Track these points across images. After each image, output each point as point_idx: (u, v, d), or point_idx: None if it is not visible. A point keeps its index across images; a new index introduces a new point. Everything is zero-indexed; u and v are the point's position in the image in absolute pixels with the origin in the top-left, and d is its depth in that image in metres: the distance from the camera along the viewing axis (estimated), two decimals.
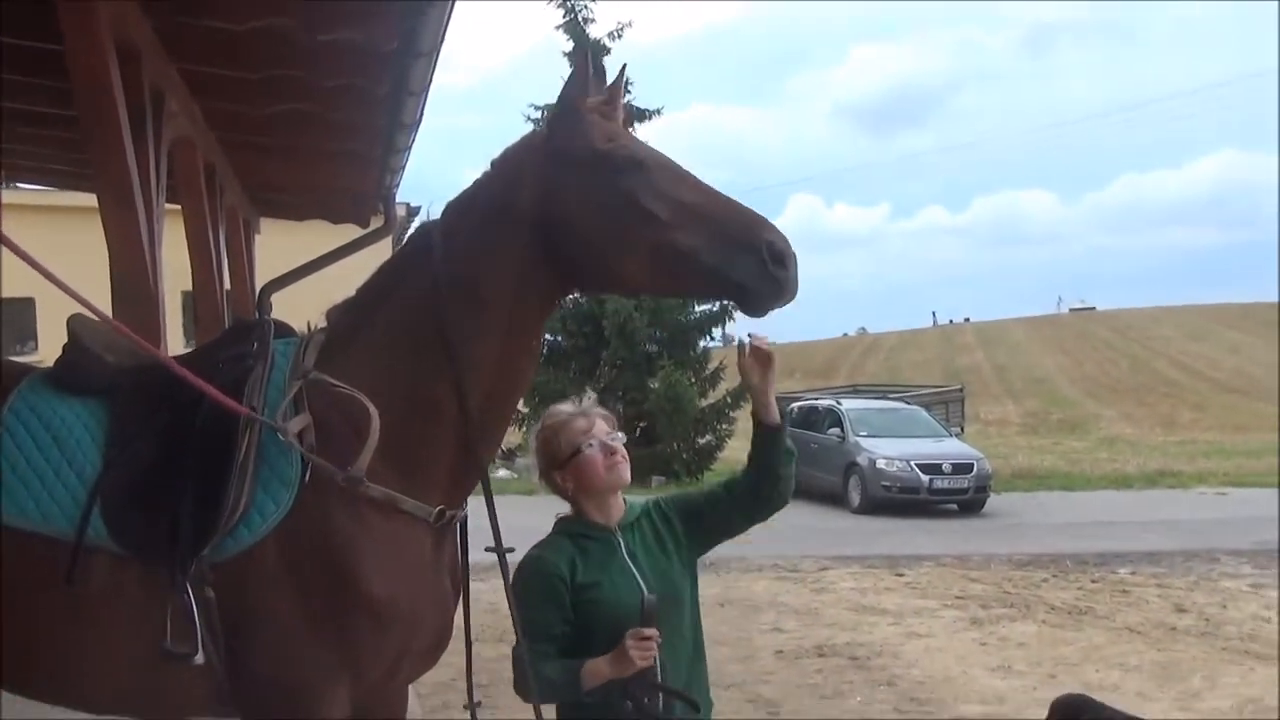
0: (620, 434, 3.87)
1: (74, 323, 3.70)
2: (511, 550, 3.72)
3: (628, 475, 3.83)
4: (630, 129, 3.78)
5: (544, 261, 3.46)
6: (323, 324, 3.68)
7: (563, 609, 3.73)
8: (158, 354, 3.53)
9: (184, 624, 3.29)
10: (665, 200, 3.35)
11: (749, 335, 3.70)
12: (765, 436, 3.74)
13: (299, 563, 3.35)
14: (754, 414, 3.77)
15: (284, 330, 3.72)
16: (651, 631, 3.53)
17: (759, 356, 3.64)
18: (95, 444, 3.47)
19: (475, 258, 3.47)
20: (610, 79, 3.73)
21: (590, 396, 3.98)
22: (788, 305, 3.38)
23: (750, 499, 3.84)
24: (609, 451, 3.79)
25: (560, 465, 3.85)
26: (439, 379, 3.46)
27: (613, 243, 3.39)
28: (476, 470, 3.63)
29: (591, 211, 3.39)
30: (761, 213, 3.37)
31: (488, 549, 3.65)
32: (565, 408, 3.91)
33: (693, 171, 3.49)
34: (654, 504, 3.94)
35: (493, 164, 3.62)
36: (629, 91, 32.52)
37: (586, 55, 3.74)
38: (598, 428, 3.82)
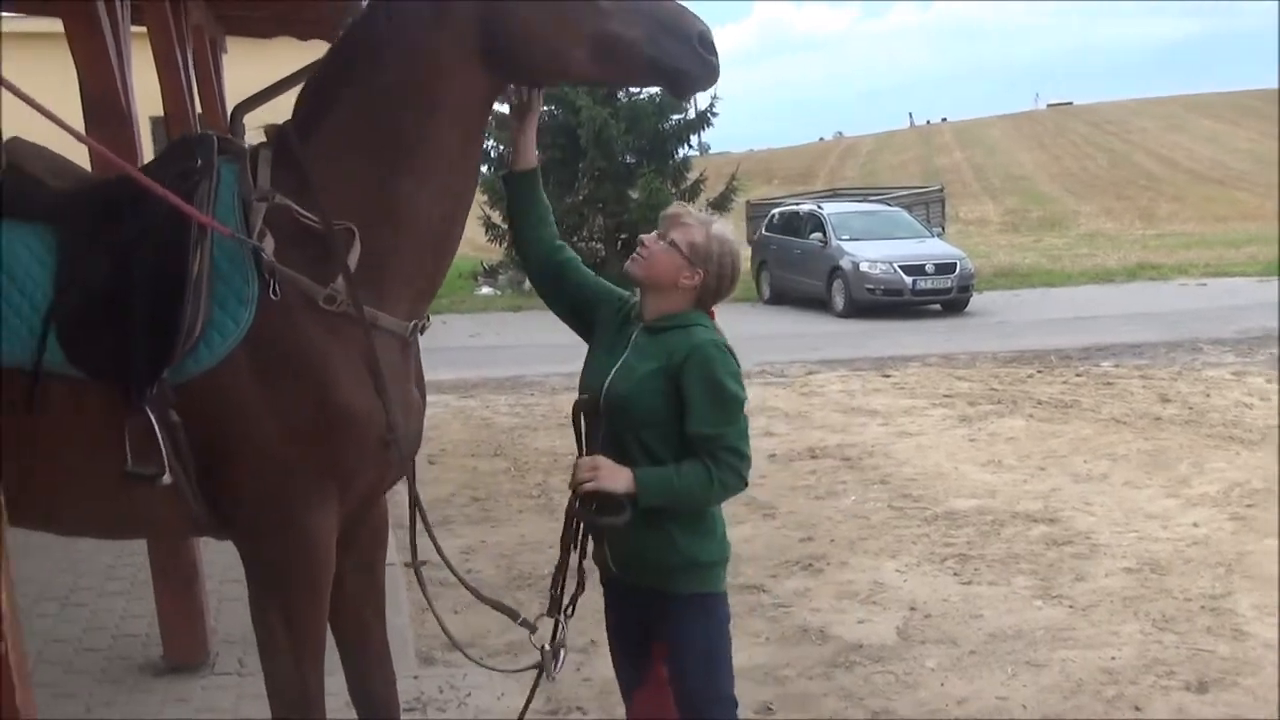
0: (677, 241, 3.73)
1: (12, 147, 3.60)
2: (425, 563, 3.91)
3: (630, 269, 3.80)
4: None
5: (485, 57, 3.47)
6: (264, 142, 3.61)
7: (580, 291, 3.96)
8: (135, 171, 3.43)
9: (146, 445, 3.29)
10: None
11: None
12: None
13: (271, 379, 3.35)
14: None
15: (227, 147, 3.62)
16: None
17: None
18: (46, 270, 3.41)
19: (419, 59, 3.45)
20: None
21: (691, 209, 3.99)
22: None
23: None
24: (640, 244, 3.81)
25: None
26: (401, 181, 3.47)
27: (555, 34, 3.43)
28: (440, 276, 3.72)
29: (536, 7, 3.40)
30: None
31: (406, 564, 3.98)
32: (672, 209, 3.95)
33: None
34: (693, 342, 3.65)
35: None
36: None
37: None
38: (663, 225, 3.82)
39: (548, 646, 3.86)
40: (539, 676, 3.95)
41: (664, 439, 3.66)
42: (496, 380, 15.40)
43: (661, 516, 3.65)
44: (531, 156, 3.89)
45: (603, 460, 3.61)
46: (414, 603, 6.86)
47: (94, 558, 7.34)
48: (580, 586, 3.88)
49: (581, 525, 3.78)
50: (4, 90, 2.96)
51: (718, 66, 3.58)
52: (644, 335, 3.75)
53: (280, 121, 3.63)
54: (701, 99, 31.28)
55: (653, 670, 3.86)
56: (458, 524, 8.70)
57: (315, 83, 3.63)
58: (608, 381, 3.69)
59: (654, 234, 3.81)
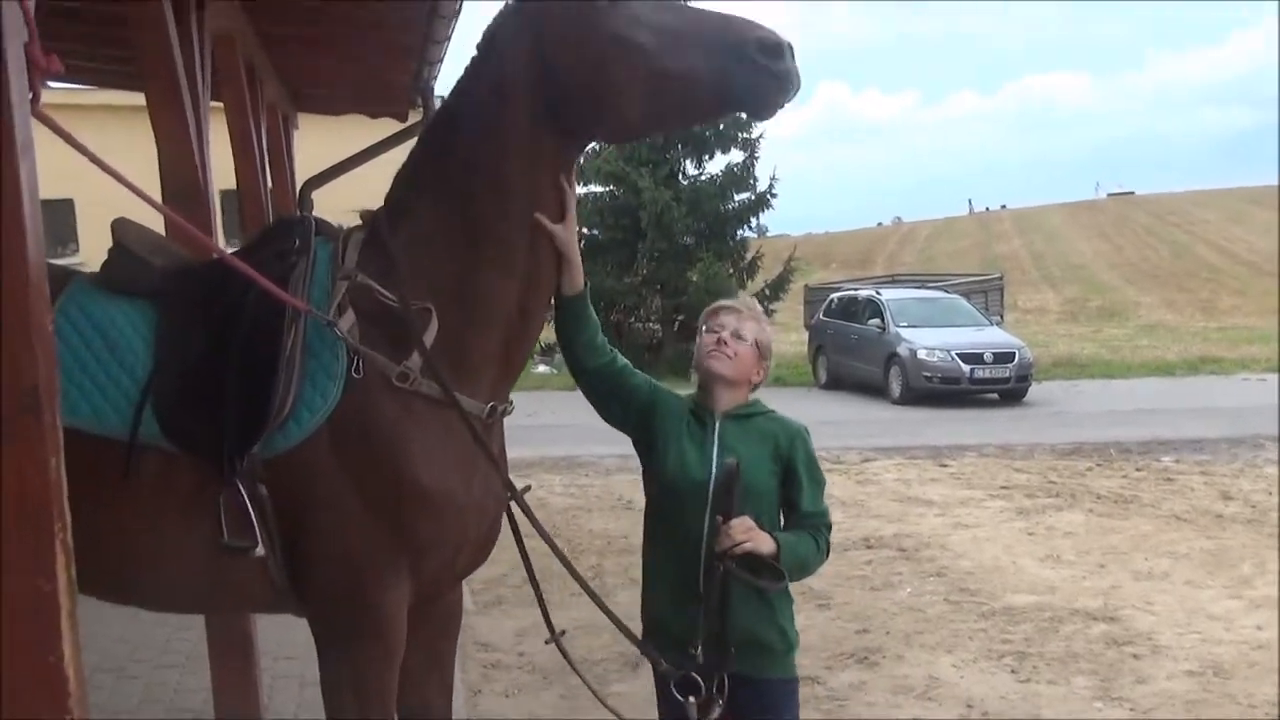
0: (749, 339, 3.92)
1: (118, 226, 3.71)
2: (528, 489, 3.81)
3: (718, 369, 3.90)
4: None
5: (550, 126, 3.45)
6: (358, 224, 3.68)
7: (635, 395, 3.95)
8: (215, 248, 3.53)
9: (240, 517, 3.34)
10: (649, 28, 3.31)
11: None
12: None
13: (352, 455, 3.39)
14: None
15: (323, 228, 3.71)
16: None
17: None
18: (145, 344, 3.50)
19: (485, 141, 3.47)
20: None
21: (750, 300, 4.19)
22: (792, 99, 3.38)
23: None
24: (716, 341, 3.90)
25: (696, 343, 4.05)
26: (480, 271, 3.49)
27: (609, 86, 3.36)
28: (520, 361, 3.71)
29: (581, 60, 3.36)
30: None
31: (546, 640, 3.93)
32: (733, 301, 4.09)
33: None
34: (791, 427, 3.96)
35: (480, 40, 3.60)
36: None
37: None
38: (731, 320, 3.94)
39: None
40: None
41: (770, 515, 3.84)
42: (552, 460, 15.39)
43: (768, 592, 3.80)
44: (579, 279, 3.74)
45: (751, 522, 3.69)
46: (467, 685, 6.84)
47: (150, 630, 7.36)
48: (728, 656, 3.74)
49: (724, 590, 3.71)
50: (87, 163, 3.03)
51: (790, 72, 3.29)
52: (729, 424, 3.89)
53: (344, 193, 3.68)
54: (761, 179, 31.34)
55: None
56: (511, 604, 8.68)
57: (406, 168, 3.69)
58: (714, 467, 3.78)
59: (728, 331, 3.91)
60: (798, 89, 3.34)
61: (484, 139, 3.48)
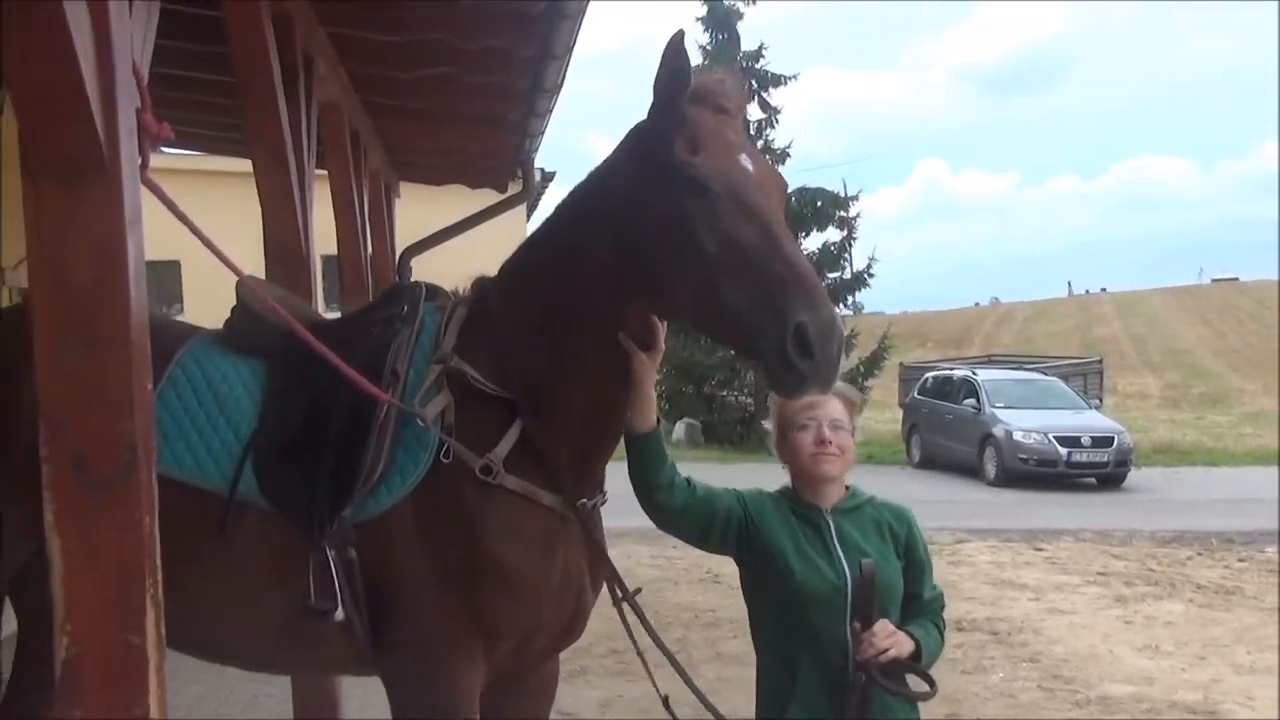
0: (845, 424, 3.69)
1: (242, 287, 3.78)
2: (639, 590, 3.84)
3: (833, 470, 3.68)
4: (754, 99, 3.59)
5: (618, 265, 3.36)
6: (468, 292, 3.72)
7: (731, 516, 3.68)
8: (296, 326, 3.51)
9: (325, 580, 3.36)
10: (720, 237, 3.11)
11: None
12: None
13: (433, 527, 3.41)
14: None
15: (436, 295, 3.76)
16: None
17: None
18: (253, 402, 3.59)
19: (572, 252, 3.46)
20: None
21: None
22: (816, 392, 3.17)
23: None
24: (819, 440, 3.64)
25: (782, 436, 3.75)
26: (561, 372, 3.48)
27: (665, 265, 3.23)
28: (600, 462, 3.65)
29: (655, 224, 3.23)
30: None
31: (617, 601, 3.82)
32: None
33: (773, 206, 3.22)
34: (900, 512, 3.82)
35: (620, 141, 3.54)
36: (762, 56, 32.10)
37: (681, 40, 3.24)
38: (824, 410, 3.65)
39: None
40: None
41: (899, 607, 3.68)
42: (639, 531, 15.25)
43: (922, 701, 3.68)
44: (650, 416, 3.54)
45: (893, 626, 3.55)
46: None
47: (239, 686, 7.41)
48: None
49: (865, 698, 3.54)
50: (210, 245, 3.11)
51: (808, 376, 3.00)
52: (841, 519, 3.70)
53: (443, 260, 3.70)
54: (859, 258, 31.23)
55: None
56: (595, 675, 8.62)
57: (522, 249, 3.70)
58: (849, 569, 3.58)
59: (825, 425, 3.64)
60: (824, 388, 3.11)
61: (574, 246, 3.46)
